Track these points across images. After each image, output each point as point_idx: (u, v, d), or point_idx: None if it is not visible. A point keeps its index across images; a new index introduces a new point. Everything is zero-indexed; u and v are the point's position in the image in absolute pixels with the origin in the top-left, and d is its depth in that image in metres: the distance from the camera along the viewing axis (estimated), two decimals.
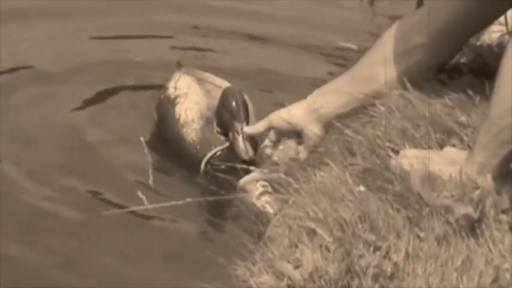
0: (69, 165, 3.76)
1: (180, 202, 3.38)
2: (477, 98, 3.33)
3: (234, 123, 3.51)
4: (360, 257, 2.58)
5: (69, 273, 3.21)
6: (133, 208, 3.37)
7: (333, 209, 2.79)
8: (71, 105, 4.33)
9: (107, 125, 4.09)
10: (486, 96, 3.16)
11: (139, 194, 3.40)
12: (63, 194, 3.58)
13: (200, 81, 3.88)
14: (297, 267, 2.62)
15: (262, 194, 3.44)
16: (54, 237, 3.33)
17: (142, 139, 3.64)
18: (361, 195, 2.86)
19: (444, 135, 3.10)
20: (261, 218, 3.38)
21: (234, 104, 3.53)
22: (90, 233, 3.35)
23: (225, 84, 3.82)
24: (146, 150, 3.59)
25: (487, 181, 2.77)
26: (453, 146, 3.04)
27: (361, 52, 4.20)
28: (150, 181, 3.51)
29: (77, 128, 4.06)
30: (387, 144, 3.09)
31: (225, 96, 3.59)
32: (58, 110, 4.25)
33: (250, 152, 3.51)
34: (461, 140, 3.07)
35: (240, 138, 3.51)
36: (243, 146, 3.50)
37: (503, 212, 2.69)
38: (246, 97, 3.72)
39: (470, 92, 3.33)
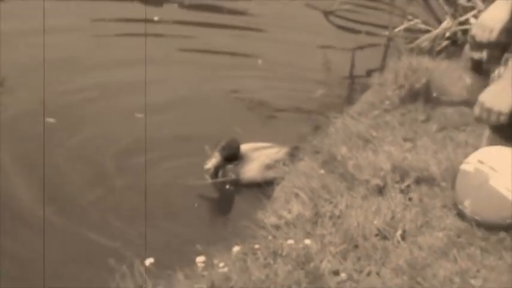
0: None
1: (229, 179, 3.35)
2: (382, 121, 3.31)
3: (216, 151, 3.32)
4: (322, 207, 2.67)
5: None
6: (200, 182, 3.30)
7: (308, 182, 2.85)
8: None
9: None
10: (390, 125, 3.22)
11: (206, 176, 3.35)
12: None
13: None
14: (289, 212, 2.69)
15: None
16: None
17: (206, 147, 3.38)
18: (322, 175, 2.91)
19: (363, 142, 3.11)
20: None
21: (222, 143, 3.33)
22: (176, 197, 3.24)
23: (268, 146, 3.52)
24: (209, 152, 3.37)
25: (387, 166, 2.77)
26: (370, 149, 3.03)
27: (329, 96, 4.22)
28: (210, 169, 3.35)
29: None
30: (335, 148, 3.07)
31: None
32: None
33: (208, 166, 3.29)
34: (374, 145, 3.05)
35: (211, 159, 3.31)
36: (208, 162, 3.30)
37: (397, 182, 2.73)
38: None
39: (380, 121, 3.29)
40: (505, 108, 2.44)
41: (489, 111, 2.45)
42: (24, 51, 4.33)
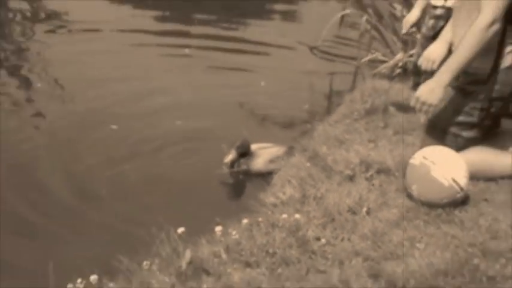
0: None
1: (242, 169, 3.28)
2: (352, 127, 3.27)
3: (233, 149, 3.31)
4: (308, 190, 2.63)
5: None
6: (220, 171, 3.26)
7: (298, 172, 2.83)
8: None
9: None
10: (358, 130, 3.17)
11: (223, 167, 3.32)
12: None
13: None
14: (284, 194, 2.67)
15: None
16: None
17: (224, 146, 3.34)
18: (308, 167, 2.87)
19: (339, 143, 3.09)
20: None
21: (237, 143, 3.29)
22: (202, 183, 3.16)
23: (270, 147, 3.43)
24: (225, 150, 3.35)
25: (356, 161, 2.75)
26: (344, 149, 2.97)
27: (314, 108, 4.19)
28: (228, 162, 3.31)
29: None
30: (318, 147, 3.03)
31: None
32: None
33: (227, 159, 3.24)
34: (347, 145, 3.01)
35: (228, 155, 3.26)
36: (227, 156, 3.25)
37: (363, 172, 2.70)
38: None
39: (351, 127, 3.25)
40: (435, 102, 2.44)
41: (423, 103, 2.45)
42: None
